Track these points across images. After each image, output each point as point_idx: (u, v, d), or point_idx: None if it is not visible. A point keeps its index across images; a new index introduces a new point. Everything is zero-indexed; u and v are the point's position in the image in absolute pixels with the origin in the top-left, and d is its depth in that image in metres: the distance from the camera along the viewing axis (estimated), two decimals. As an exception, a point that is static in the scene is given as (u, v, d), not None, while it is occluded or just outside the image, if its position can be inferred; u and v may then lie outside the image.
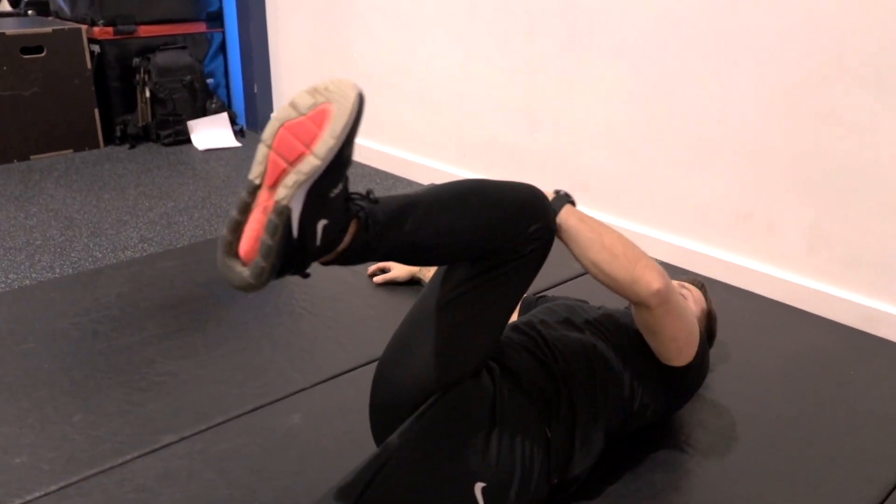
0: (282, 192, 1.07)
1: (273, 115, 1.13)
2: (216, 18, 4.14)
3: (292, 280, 2.41)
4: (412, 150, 3.47)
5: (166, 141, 3.88)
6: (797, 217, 2.36)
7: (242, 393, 1.79)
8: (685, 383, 1.58)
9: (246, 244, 1.09)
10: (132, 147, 3.83)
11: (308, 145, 1.07)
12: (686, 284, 1.94)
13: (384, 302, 2.24)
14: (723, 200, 2.51)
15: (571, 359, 1.44)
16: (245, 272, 1.08)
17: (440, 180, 3.36)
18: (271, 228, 1.07)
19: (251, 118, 4.16)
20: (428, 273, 2.24)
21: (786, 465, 1.63)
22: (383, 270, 2.32)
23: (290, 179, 1.08)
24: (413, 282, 2.30)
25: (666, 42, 2.52)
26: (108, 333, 2.04)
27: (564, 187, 2.88)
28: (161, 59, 3.87)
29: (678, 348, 1.50)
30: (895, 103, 2.09)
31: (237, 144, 3.89)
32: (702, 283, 2.01)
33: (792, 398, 1.90)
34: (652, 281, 1.34)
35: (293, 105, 1.09)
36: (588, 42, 2.72)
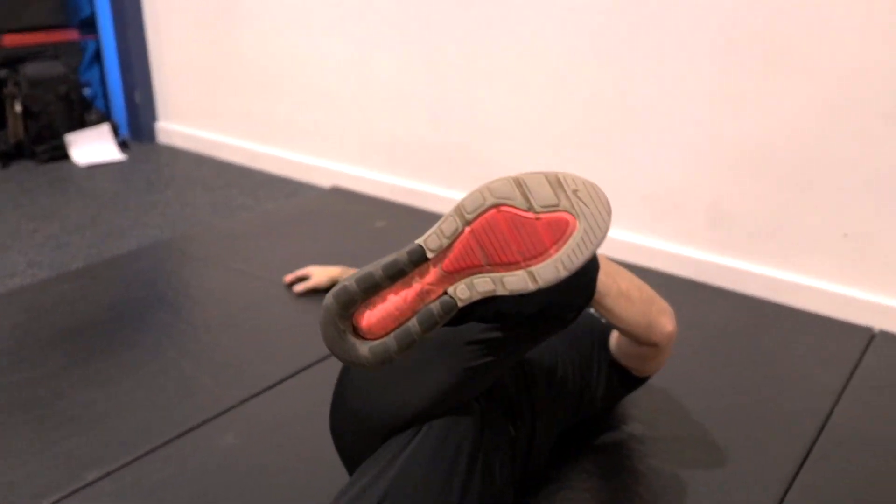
0: (462, 292, 0.87)
1: (488, 186, 0.88)
2: (89, 25, 3.89)
3: (204, 292, 2.34)
4: (311, 153, 3.39)
5: (43, 157, 3.63)
6: (699, 195, 2.45)
7: (168, 417, 1.70)
8: (641, 381, 1.62)
9: (377, 316, 0.89)
10: (5, 166, 3.56)
11: (527, 258, 0.87)
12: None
13: (306, 310, 2.18)
14: (628, 183, 2.58)
15: (535, 361, 1.44)
16: (363, 348, 0.89)
17: (343, 182, 3.33)
18: (426, 320, 0.88)
19: (134, 129, 3.94)
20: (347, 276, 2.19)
21: (720, 430, 1.70)
22: (302, 279, 2.25)
23: (484, 286, 0.88)
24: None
25: (567, 29, 2.57)
26: (7, 368, 1.88)
27: (473, 182, 2.92)
28: (31, 69, 3.61)
29: (658, 367, 1.55)
30: (784, 81, 2.21)
31: (121, 157, 3.68)
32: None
33: (714, 368, 1.98)
34: (666, 324, 1.36)
35: (521, 185, 0.88)
36: (489, 32, 2.73)
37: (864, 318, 2.22)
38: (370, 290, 0.88)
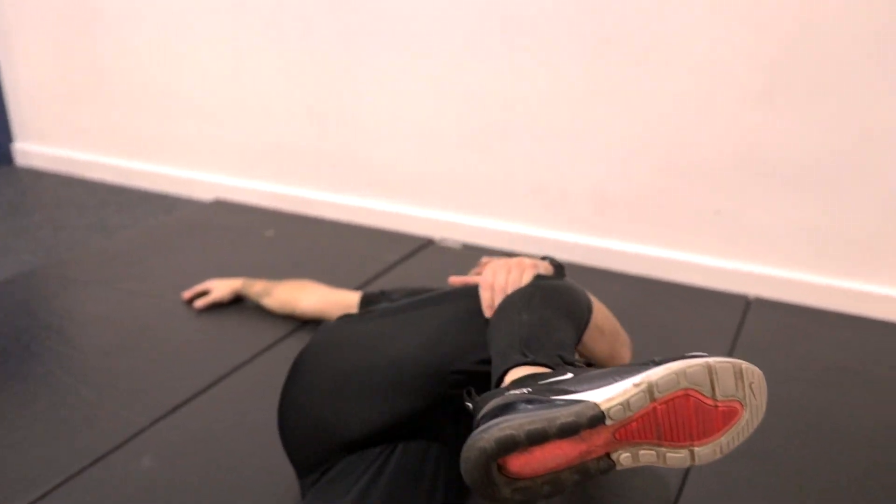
0: (626, 459, 0.88)
1: (684, 371, 0.90)
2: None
3: (94, 317, 2.22)
4: (188, 166, 3.28)
5: None
6: (583, 183, 2.57)
7: (76, 447, 1.61)
8: None
9: (531, 463, 0.86)
10: None
11: (695, 439, 0.89)
12: (520, 260, 2.05)
13: (208, 324, 2.12)
14: (515, 177, 2.67)
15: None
16: (505, 488, 0.86)
17: (225, 194, 3.24)
18: (581, 473, 0.88)
19: (-14, 151, 3.68)
20: (253, 288, 2.15)
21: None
22: (202, 294, 2.18)
23: (648, 458, 0.89)
24: (237, 299, 2.20)
25: (445, 30, 2.62)
26: None
27: (362, 186, 2.94)
28: None
29: None
30: (656, 72, 2.35)
31: (-25, 182, 3.42)
32: (511, 255, 2.14)
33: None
34: (625, 356, 1.44)
35: (712, 373, 0.90)
36: (368, 35, 2.74)
37: (739, 287, 2.40)
38: (536, 441, 0.86)
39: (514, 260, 1.28)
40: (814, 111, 2.20)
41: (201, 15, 3.02)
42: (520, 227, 2.71)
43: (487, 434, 0.84)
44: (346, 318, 1.40)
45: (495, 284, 1.21)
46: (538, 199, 2.66)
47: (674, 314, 2.28)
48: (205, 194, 3.22)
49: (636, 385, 0.87)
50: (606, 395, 0.87)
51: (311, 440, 1.25)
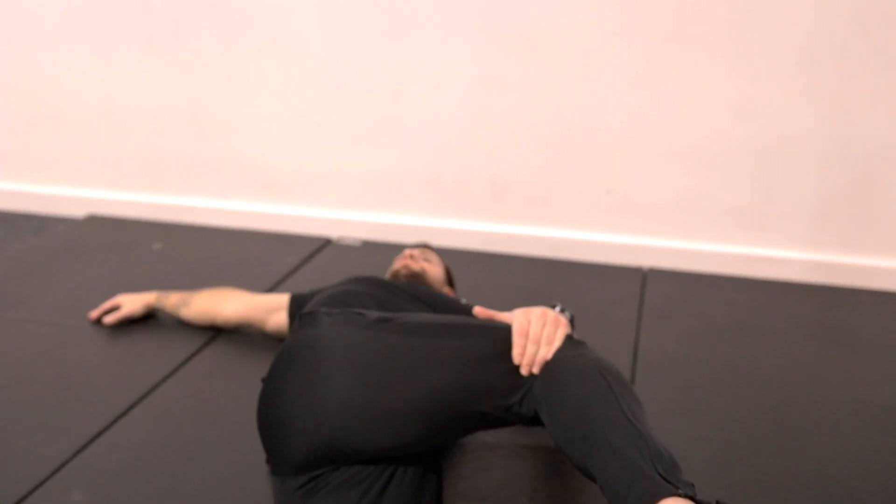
0: None
1: None
2: None
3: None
4: (56, 182, 3.05)
5: None
6: (479, 172, 2.62)
7: (-9, 491, 1.47)
8: None
9: None
10: None
11: None
12: (425, 252, 2.07)
13: (116, 343, 2.01)
14: (409, 170, 2.68)
15: None
16: None
17: (99, 210, 3.04)
18: None
19: None
20: (168, 300, 2.05)
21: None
22: (111, 310, 2.05)
23: None
24: (149, 315, 2.08)
25: (329, 25, 2.59)
26: None
27: (250, 190, 2.85)
28: None
29: None
30: (544, 57, 2.43)
31: None
32: (425, 244, 2.17)
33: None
34: None
35: None
36: (247, 32, 2.66)
37: (634, 260, 2.54)
38: None
39: (543, 311, 1.29)
40: (692, 91, 2.36)
41: (63, 24, 2.82)
42: (418, 219, 2.73)
43: None
44: (354, 317, 1.33)
45: (531, 334, 1.23)
46: (434, 190, 2.69)
47: (578, 291, 2.38)
48: (76, 211, 3.00)
49: None
50: None
51: (312, 445, 1.22)
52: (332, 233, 2.80)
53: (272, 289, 2.35)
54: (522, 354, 1.21)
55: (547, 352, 1.22)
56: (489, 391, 1.21)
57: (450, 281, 2.07)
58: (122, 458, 1.58)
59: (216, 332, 2.04)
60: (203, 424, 1.70)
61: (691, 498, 1.01)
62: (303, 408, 1.22)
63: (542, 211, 2.61)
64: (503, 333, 1.25)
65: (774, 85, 2.29)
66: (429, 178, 2.68)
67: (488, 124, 2.55)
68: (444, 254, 2.51)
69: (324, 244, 2.73)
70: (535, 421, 1.24)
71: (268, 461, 1.45)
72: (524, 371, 1.21)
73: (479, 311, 1.34)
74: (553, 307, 1.35)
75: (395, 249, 2.65)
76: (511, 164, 2.59)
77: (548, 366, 1.21)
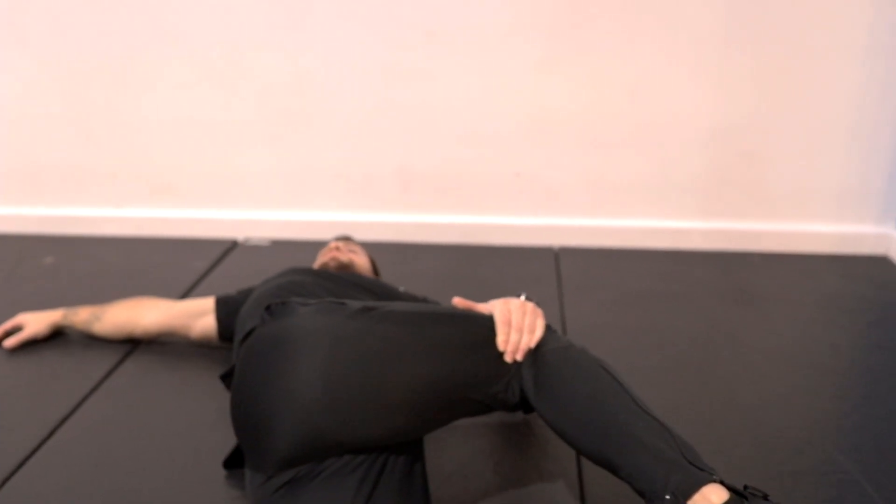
0: None
1: None
2: None
3: None
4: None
5: None
6: (387, 163, 2.62)
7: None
8: None
9: None
10: None
11: None
12: (349, 244, 2.06)
13: (27, 364, 1.86)
14: (316, 164, 2.64)
15: None
16: None
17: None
18: None
19: None
20: (77, 316, 1.93)
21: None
22: (11, 332, 1.91)
23: None
24: (57, 333, 1.94)
25: (227, 15, 2.50)
26: None
27: (146, 196, 2.72)
28: None
29: None
30: (447, 46, 2.46)
31: None
32: (348, 236, 2.15)
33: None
34: None
35: None
36: (135, 30, 2.53)
37: (544, 240, 2.62)
38: None
39: (521, 301, 1.32)
40: (590, 74, 2.46)
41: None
42: (327, 214, 2.69)
43: None
44: (335, 307, 1.30)
45: (514, 323, 1.25)
46: (343, 184, 2.66)
47: (496, 274, 2.43)
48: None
49: None
50: None
51: (302, 437, 1.18)
52: (238, 234, 2.72)
53: (185, 295, 2.26)
54: (507, 342, 1.24)
55: (530, 340, 1.25)
56: (477, 378, 1.23)
57: (375, 271, 2.07)
58: (56, 482, 1.47)
59: (133, 345, 1.94)
60: (137, 438, 1.61)
61: (724, 483, 1.08)
62: (290, 400, 1.18)
63: (452, 198, 2.65)
64: (485, 322, 1.27)
65: (666, 65, 2.42)
66: (337, 172, 2.65)
67: (395, 115, 2.55)
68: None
69: (231, 246, 2.65)
70: (516, 407, 1.27)
71: (239, 461, 1.41)
72: (508, 358, 1.24)
73: (458, 301, 1.35)
74: (519, 296, 1.38)
75: (306, 247, 2.61)
76: (419, 153, 2.60)
77: (543, 358, 1.24)
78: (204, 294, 2.14)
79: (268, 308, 1.34)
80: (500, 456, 1.53)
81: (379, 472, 1.19)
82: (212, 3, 2.48)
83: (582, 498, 1.40)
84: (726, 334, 2.03)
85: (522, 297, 1.36)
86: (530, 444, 1.57)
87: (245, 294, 1.86)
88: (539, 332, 1.27)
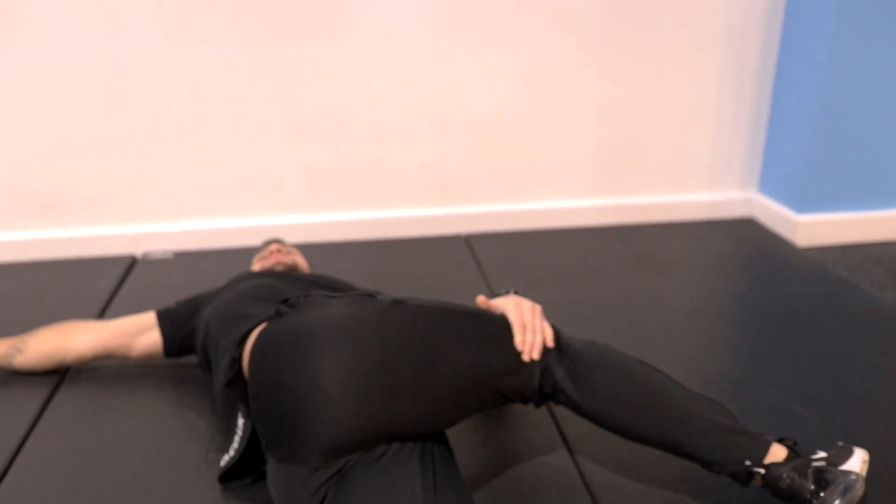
0: None
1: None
2: None
3: None
4: None
5: None
6: (292, 165, 2.60)
7: None
8: None
9: None
10: None
11: None
12: (284, 246, 2.04)
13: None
14: (215, 171, 2.56)
15: None
16: None
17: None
18: None
19: None
20: (20, 361, 1.78)
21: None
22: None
23: None
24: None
25: (109, 22, 2.37)
26: None
27: (26, 217, 2.53)
28: None
29: None
30: (348, 47, 2.47)
31: None
32: (278, 238, 2.14)
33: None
34: None
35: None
36: (7, 40, 2.33)
37: (453, 229, 2.71)
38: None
39: (530, 304, 1.39)
40: (486, 65, 2.57)
41: None
42: (232, 221, 2.63)
43: (851, 495, 1.20)
44: (367, 300, 1.32)
45: (527, 325, 1.34)
46: (248, 189, 2.61)
47: (417, 266, 2.48)
48: None
49: (864, 460, 1.29)
50: (856, 467, 1.26)
51: (359, 426, 1.19)
52: (136, 249, 2.59)
53: (100, 317, 2.14)
54: (523, 342, 1.33)
55: (545, 339, 1.35)
56: (502, 371, 1.31)
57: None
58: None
59: (61, 373, 1.83)
60: (96, 469, 1.52)
61: (779, 440, 1.29)
62: (345, 389, 1.18)
63: (359, 195, 2.67)
64: (503, 321, 1.35)
65: (556, 54, 2.58)
66: (240, 176, 2.59)
67: (297, 115, 2.54)
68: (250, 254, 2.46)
69: (131, 262, 2.52)
70: (530, 400, 1.36)
71: (236, 474, 1.39)
72: (526, 358, 1.32)
73: (482, 300, 1.42)
74: (508, 292, 1.46)
75: (213, 255, 2.56)
76: (324, 152, 2.60)
77: (576, 354, 1.34)
78: (124, 313, 2.04)
79: (284, 302, 1.33)
80: (487, 432, 1.60)
81: (431, 457, 1.23)
82: (95, 13, 2.34)
83: (570, 450, 1.51)
84: (644, 298, 2.22)
85: (512, 293, 1.45)
86: (511, 416, 1.66)
87: (191, 304, 1.80)
88: (549, 331, 1.37)
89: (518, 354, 1.33)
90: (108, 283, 2.36)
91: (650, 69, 2.64)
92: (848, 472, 1.23)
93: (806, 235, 2.63)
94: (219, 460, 1.50)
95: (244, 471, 1.45)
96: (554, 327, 1.40)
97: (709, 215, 2.85)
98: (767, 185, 2.82)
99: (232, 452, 1.44)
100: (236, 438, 1.44)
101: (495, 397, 1.34)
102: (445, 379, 1.26)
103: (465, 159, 2.67)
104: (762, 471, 1.24)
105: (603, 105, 2.67)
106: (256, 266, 1.98)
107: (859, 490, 1.21)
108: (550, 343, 1.35)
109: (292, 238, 2.61)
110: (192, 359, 1.86)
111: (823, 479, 1.21)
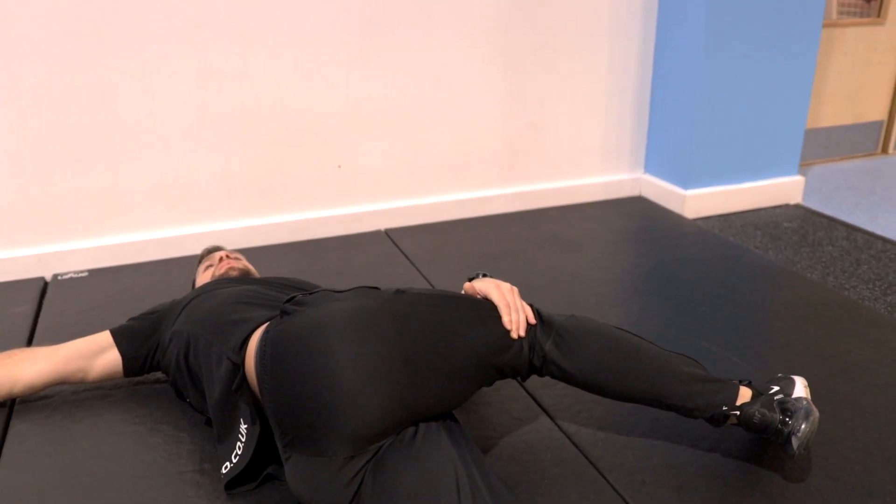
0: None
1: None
2: None
3: None
4: None
5: None
6: (207, 172, 2.56)
7: None
8: None
9: None
10: None
11: None
12: (233, 253, 2.03)
13: None
14: (127, 182, 2.48)
15: None
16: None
17: None
18: None
19: None
20: None
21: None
22: None
23: None
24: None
25: (13, 25, 2.23)
26: None
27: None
28: None
29: None
30: (260, 49, 2.47)
31: None
32: (218, 246, 2.12)
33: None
34: None
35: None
36: None
37: (372, 226, 2.77)
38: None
39: (508, 286, 1.49)
40: (398, 65, 2.65)
41: None
42: (148, 234, 2.55)
43: (810, 422, 1.38)
44: (373, 292, 1.37)
45: (511, 305, 1.45)
46: (161, 199, 2.54)
47: (345, 264, 2.52)
48: None
49: (805, 385, 1.51)
50: (802, 393, 1.48)
51: (385, 410, 1.24)
52: (44, 272, 2.46)
53: (30, 343, 2.03)
54: (510, 322, 1.43)
55: (528, 317, 1.46)
56: (498, 348, 1.41)
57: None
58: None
59: (8, 405, 1.73)
60: (87, 498, 1.48)
61: (742, 383, 1.49)
62: (374, 377, 1.24)
63: (277, 198, 2.67)
64: (489, 304, 1.45)
65: (461, 53, 2.70)
66: (152, 187, 2.51)
67: (211, 121, 2.50)
68: (189, 261, 2.44)
69: (43, 285, 2.39)
70: (519, 374, 1.47)
71: (243, 480, 1.43)
72: (514, 335, 1.43)
73: (468, 286, 1.52)
74: (480, 276, 1.56)
75: (129, 270, 2.48)
76: (241, 158, 2.58)
77: (560, 327, 1.46)
78: (54, 337, 1.96)
79: (290, 300, 1.37)
80: (470, 409, 1.70)
81: (458, 434, 1.31)
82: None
83: (550, 417, 1.65)
84: (565, 274, 2.40)
85: (482, 276, 1.56)
86: (486, 393, 1.77)
87: (148, 319, 1.76)
88: (529, 309, 1.48)
89: (507, 334, 1.43)
90: (24, 307, 2.23)
91: (547, 64, 2.83)
92: (800, 399, 1.43)
93: (693, 208, 2.93)
94: (216, 470, 1.50)
95: (248, 476, 1.46)
96: (532, 305, 1.52)
97: (604, 196, 3.09)
98: (653, 165, 3.10)
99: (235, 459, 1.45)
100: (239, 445, 1.45)
101: (492, 373, 1.44)
102: (456, 358, 1.35)
103: (379, 157, 2.74)
104: (737, 412, 1.43)
105: (505, 100, 2.83)
106: (205, 275, 1.95)
107: (815, 412, 1.42)
108: (532, 320, 1.46)
109: (221, 241, 2.57)
110: (149, 376, 1.82)
111: (787, 409, 1.41)
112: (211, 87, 2.47)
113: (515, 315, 1.45)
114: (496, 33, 2.72)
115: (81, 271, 2.47)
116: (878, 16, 3.60)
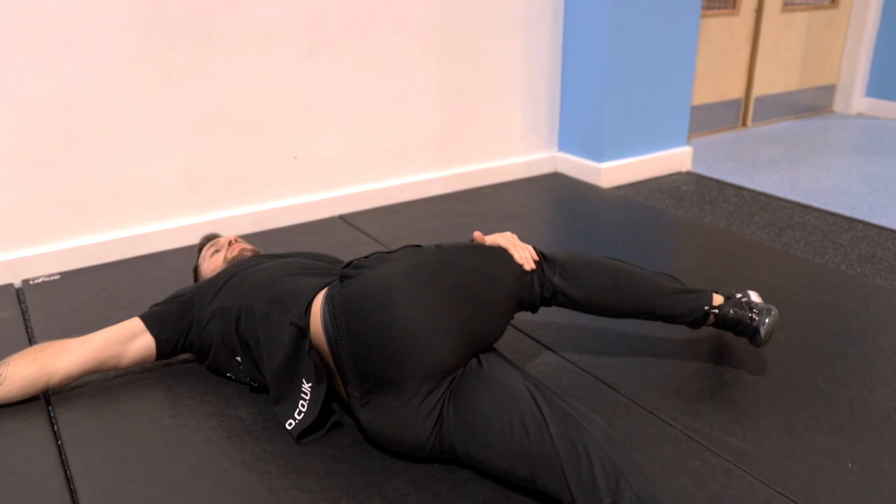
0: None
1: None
2: None
3: None
4: None
5: None
6: (170, 169, 2.64)
7: None
8: None
9: None
10: None
11: None
12: (228, 238, 2.15)
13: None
14: (97, 181, 2.52)
15: None
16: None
17: None
18: None
19: None
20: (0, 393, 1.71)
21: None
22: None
23: None
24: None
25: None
26: None
27: None
28: None
29: None
30: (217, 46, 2.58)
31: None
32: (215, 234, 2.23)
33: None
34: None
35: None
36: None
37: (327, 213, 2.94)
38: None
39: (506, 232, 1.76)
40: (343, 58, 2.84)
41: None
42: (114, 234, 2.60)
43: (772, 316, 1.74)
44: (418, 249, 1.61)
45: (518, 246, 1.71)
46: (126, 198, 2.60)
47: (309, 249, 2.69)
48: None
49: (758, 294, 1.86)
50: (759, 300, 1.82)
51: (461, 344, 1.48)
52: (10, 278, 2.45)
53: (32, 343, 2.07)
54: (521, 258, 1.70)
55: (532, 252, 1.72)
56: (521, 281, 1.68)
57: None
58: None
59: (44, 398, 1.79)
60: (170, 470, 1.60)
61: (715, 292, 1.83)
62: (450, 319, 1.47)
63: (239, 191, 2.78)
64: (501, 248, 1.71)
65: (404, 44, 2.93)
66: (117, 185, 2.56)
67: (172, 118, 2.58)
68: (159, 257, 2.53)
69: (16, 290, 2.39)
70: (533, 305, 1.74)
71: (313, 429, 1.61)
72: (527, 268, 1.70)
73: (478, 235, 1.76)
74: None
75: (100, 270, 2.52)
76: (202, 153, 2.67)
77: (562, 259, 1.75)
78: (58, 334, 2.01)
79: (349, 265, 1.59)
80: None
81: (508, 360, 1.58)
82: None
83: (554, 351, 1.93)
84: (522, 239, 2.68)
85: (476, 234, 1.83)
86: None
87: (178, 302, 1.86)
88: (530, 247, 1.76)
89: (522, 270, 1.70)
90: (8, 312, 2.24)
91: (474, 55, 3.12)
92: (760, 302, 1.82)
93: (608, 179, 3.31)
94: (279, 427, 1.66)
95: (313, 427, 1.64)
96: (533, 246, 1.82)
97: (526, 174, 3.42)
98: (566, 144, 3.46)
99: (300, 416, 1.61)
100: (302, 403, 1.61)
101: (516, 306, 1.70)
102: (496, 295, 1.61)
103: (331, 147, 2.92)
104: (716, 311, 1.78)
105: (440, 89, 3.08)
106: (214, 259, 2.04)
107: (775, 309, 1.79)
108: (535, 256, 1.75)
109: (175, 243, 2.66)
110: (175, 359, 1.92)
111: (752, 307, 1.78)
112: (174, 87, 2.55)
113: (523, 252, 1.72)
114: (429, 30, 2.98)
115: (53, 275, 2.48)
116: (734, 7, 4.18)
